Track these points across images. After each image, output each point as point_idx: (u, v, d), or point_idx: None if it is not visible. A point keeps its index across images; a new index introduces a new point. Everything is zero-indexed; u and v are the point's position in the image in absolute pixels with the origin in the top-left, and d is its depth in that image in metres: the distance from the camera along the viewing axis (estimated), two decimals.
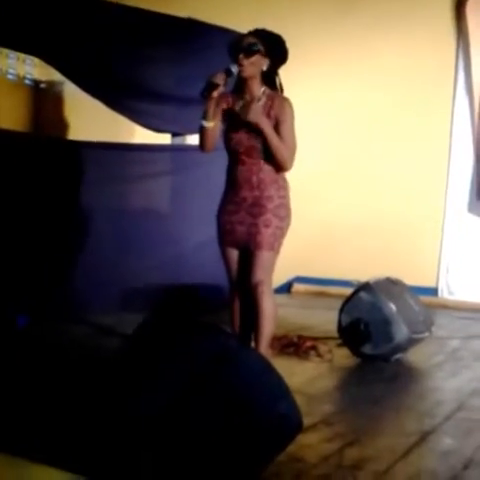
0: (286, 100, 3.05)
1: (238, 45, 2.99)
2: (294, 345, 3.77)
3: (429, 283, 5.58)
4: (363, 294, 3.68)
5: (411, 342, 3.71)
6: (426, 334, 3.83)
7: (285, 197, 3.11)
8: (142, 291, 4.40)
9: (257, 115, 2.96)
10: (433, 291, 5.58)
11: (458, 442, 2.56)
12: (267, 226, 3.06)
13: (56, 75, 4.93)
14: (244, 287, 3.13)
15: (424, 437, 2.60)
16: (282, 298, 5.05)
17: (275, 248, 3.09)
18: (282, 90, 3.11)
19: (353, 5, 5.59)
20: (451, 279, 5.61)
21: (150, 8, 4.52)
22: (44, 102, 6.30)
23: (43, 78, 6.35)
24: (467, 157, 5.55)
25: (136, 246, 4.48)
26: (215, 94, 2.97)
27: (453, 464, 2.32)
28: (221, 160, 4.97)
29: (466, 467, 2.29)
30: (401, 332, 3.60)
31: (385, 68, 5.60)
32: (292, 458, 2.31)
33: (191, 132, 4.97)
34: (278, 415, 2.00)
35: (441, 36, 5.53)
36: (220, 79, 2.96)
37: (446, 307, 5.36)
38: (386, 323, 3.61)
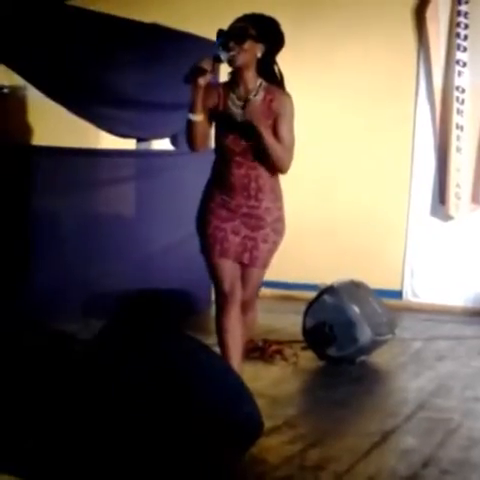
0: (287, 96, 2.76)
1: (227, 31, 2.68)
2: (259, 349, 3.79)
3: (394, 286, 5.64)
4: (327, 297, 3.72)
5: (375, 344, 3.76)
6: (389, 336, 3.88)
7: (281, 209, 2.90)
8: (107, 297, 4.36)
9: (252, 113, 2.66)
10: (398, 294, 5.64)
11: (419, 441, 2.61)
12: (265, 241, 2.84)
13: (20, 80, 4.88)
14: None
15: (386, 437, 2.64)
16: None
17: (268, 264, 2.91)
18: (282, 79, 2.79)
19: (311, 15, 5.65)
20: (415, 282, 5.68)
21: (115, 13, 4.52)
22: (7, 107, 6.24)
23: (6, 83, 6.28)
24: (429, 162, 5.63)
25: (101, 251, 4.45)
26: (201, 81, 2.62)
27: (413, 462, 2.36)
28: (187, 165, 5.02)
29: (425, 465, 2.33)
30: (365, 334, 3.65)
31: (346, 74, 5.65)
32: (254, 460, 2.33)
33: (156, 137, 4.98)
34: (239, 417, 2.01)
35: (402, 43, 5.60)
36: (207, 64, 2.61)
37: (410, 309, 5.43)
38: (350, 325, 3.65)
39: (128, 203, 4.85)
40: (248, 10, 5.55)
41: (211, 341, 3.98)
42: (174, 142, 5.04)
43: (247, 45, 2.68)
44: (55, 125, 5.36)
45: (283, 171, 2.81)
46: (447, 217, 5.55)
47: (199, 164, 5.10)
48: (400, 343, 4.19)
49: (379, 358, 3.85)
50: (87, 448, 1.86)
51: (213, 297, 5.24)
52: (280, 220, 2.88)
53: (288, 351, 3.79)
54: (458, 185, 5.50)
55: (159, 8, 5.73)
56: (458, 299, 5.50)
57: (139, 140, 4.86)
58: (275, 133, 2.73)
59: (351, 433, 2.69)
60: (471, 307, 5.43)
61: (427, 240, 5.64)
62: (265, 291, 5.78)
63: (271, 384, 3.32)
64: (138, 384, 1.88)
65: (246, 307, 2.93)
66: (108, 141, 5.14)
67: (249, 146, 2.73)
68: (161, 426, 1.86)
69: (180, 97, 4.80)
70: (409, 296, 5.67)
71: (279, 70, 2.80)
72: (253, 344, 3.85)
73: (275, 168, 2.78)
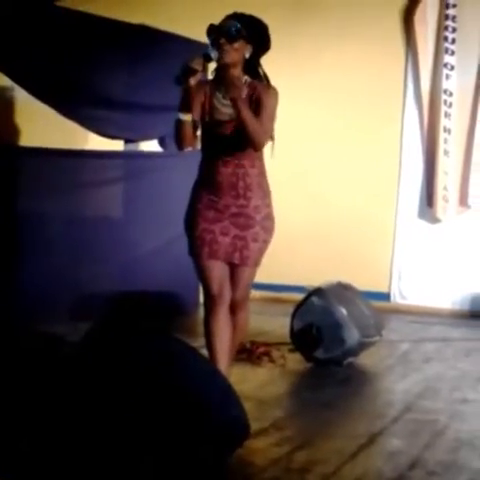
0: (272, 89, 2.76)
1: (219, 28, 2.67)
2: (247, 351, 3.78)
3: (382, 288, 5.65)
4: (315, 299, 3.72)
5: (362, 346, 3.76)
6: (377, 338, 3.89)
7: (270, 206, 2.87)
8: (95, 299, 4.35)
9: (235, 90, 2.63)
10: (386, 296, 5.66)
11: (405, 443, 2.61)
12: (255, 240, 2.82)
13: (7, 81, 4.85)
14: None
15: (372, 439, 2.64)
16: None
17: (259, 263, 2.89)
18: (267, 80, 2.81)
19: (300, 17, 5.66)
20: (403, 284, 5.70)
21: (103, 14, 4.51)
22: None
23: None
24: (417, 165, 5.65)
25: (89, 253, 4.43)
26: (192, 81, 2.61)
27: (399, 464, 2.36)
28: (175, 166, 5.01)
29: (412, 467, 2.34)
30: (352, 336, 3.65)
31: (335, 77, 5.66)
32: (241, 462, 2.32)
33: (144, 139, 4.97)
34: (225, 420, 2.00)
35: (390, 46, 5.61)
36: (198, 64, 2.61)
37: (398, 311, 5.44)
38: (337, 327, 3.65)
39: (116, 205, 4.84)
40: (239, 11, 5.51)
41: (198, 343, 3.97)
42: (162, 144, 5.03)
43: (238, 44, 2.69)
44: (43, 126, 5.33)
45: (257, 148, 2.72)
46: (435, 220, 5.58)
47: (187, 165, 5.08)
48: (387, 345, 4.20)
49: (366, 360, 3.85)
50: (76, 449, 1.85)
51: (201, 299, 5.27)
52: (269, 218, 2.86)
53: (276, 353, 3.79)
54: (445, 188, 5.53)
55: (147, 9, 5.72)
56: (446, 301, 5.52)
57: (127, 141, 4.85)
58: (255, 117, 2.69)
59: (338, 435, 2.69)
60: (458, 309, 5.45)
61: (415, 242, 5.66)
62: (254, 293, 5.76)
63: (258, 386, 3.31)
64: (124, 386, 1.87)
65: (237, 308, 2.92)
66: (96, 142, 5.13)
67: (236, 142, 2.71)
68: (148, 428, 1.85)
69: (168, 98, 4.80)
70: (397, 298, 5.68)
71: (263, 72, 2.82)
72: (241, 346, 3.84)
73: (250, 143, 2.69)
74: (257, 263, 2.87)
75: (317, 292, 3.75)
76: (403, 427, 2.81)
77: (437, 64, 5.56)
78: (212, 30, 2.68)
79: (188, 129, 2.71)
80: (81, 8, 4.51)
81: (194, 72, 2.60)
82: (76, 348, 1.93)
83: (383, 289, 5.67)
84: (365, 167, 5.64)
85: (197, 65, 2.61)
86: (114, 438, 1.84)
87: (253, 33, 2.72)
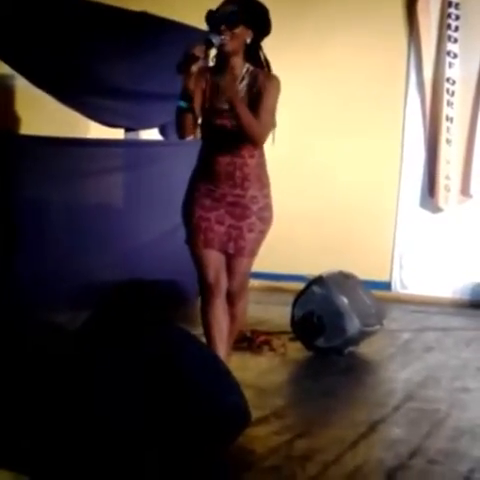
0: (274, 77, 2.73)
1: (218, 14, 2.62)
2: (248, 340, 3.78)
3: (383, 277, 5.65)
4: (316, 288, 3.71)
5: (363, 335, 3.75)
6: (378, 327, 3.88)
7: (268, 196, 2.85)
8: (95, 288, 4.34)
9: (232, 90, 2.63)
10: (387, 285, 5.65)
11: (406, 431, 2.61)
12: (251, 231, 2.79)
13: (8, 69, 4.83)
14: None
15: (373, 427, 2.64)
16: None
17: (256, 254, 2.87)
18: (268, 66, 2.77)
19: (302, 8, 5.61)
20: (404, 274, 5.69)
21: (104, 1, 4.48)
22: None
23: None
24: (419, 153, 5.63)
25: (89, 242, 4.42)
26: (194, 69, 2.58)
27: (400, 453, 2.36)
28: (176, 155, 4.99)
29: (412, 456, 2.33)
30: (353, 325, 3.65)
31: (338, 66, 5.64)
32: (242, 450, 2.32)
33: (145, 127, 4.95)
34: (226, 407, 2.00)
35: (393, 34, 5.59)
36: (199, 51, 2.57)
37: (399, 301, 5.44)
38: (338, 316, 3.64)
39: (117, 193, 4.82)
40: None
41: (199, 331, 3.97)
42: (163, 132, 5.01)
43: (238, 30, 2.66)
44: (44, 114, 5.31)
45: (257, 144, 2.72)
46: (436, 209, 5.56)
47: (188, 154, 5.08)
48: (389, 334, 4.20)
49: (367, 349, 3.85)
50: (77, 441, 1.85)
51: None
52: (267, 208, 2.84)
53: (276, 342, 3.78)
54: (447, 177, 5.51)
55: None
56: (447, 291, 5.51)
57: (127, 130, 4.83)
58: (256, 107, 2.67)
59: (338, 423, 2.69)
60: (459, 298, 5.45)
61: (416, 232, 5.64)
62: (253, 282, 5.75)
63: (259, 375, 3.31)
64: (124, 374, 1.86)
65: (234, 298, 2.90)
66: (97, 131, 5.11)
67: (236, 131, 2.67)
68: (149, 416, 1.85)
69: (169, 87, 4.78)
70: (398, 288, 5.68)
71: (265, 56, 2.78)
72: (241, 334, 3.84)
73: (250, 141, 2.69)
74: (253, 253, 2.85)
75: (318, 281, 3.74)
76: (404, 416, 2.81)
77: (440, 52, 5.53)
78: (211, 16, 2.65)
79: (189, 117, 2.68)
80: None
81: (196, 59, 2.57)
82: (74, 337, 1.92)
83: (384, 278, 5.67)
84: (367, 156, 5.62)
85: (199, 52, 2.57)
86: (115, 429, 1.83)
87: (253, 17, 2.68)
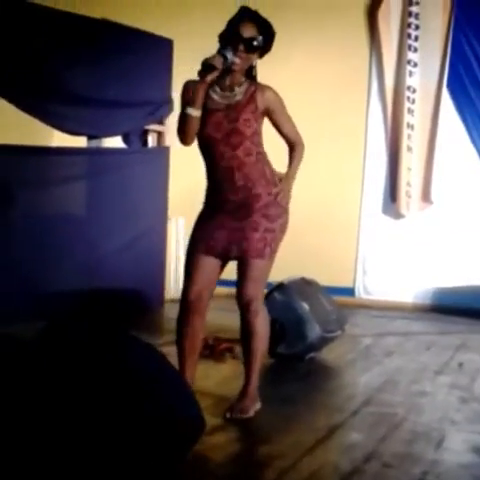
0: (269, 88, 2.79)
1: (239, 34, 2.65)
2: (210, 347, 3.78)
3: (346, 283, 5.71)
4: (277, 294, 3.74)
5: (324, 341, 3.79)
6: (338, 333, 3.92)
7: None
8: (58, 297, 4.31)
9: (288, 195, 2.80)
10: (350, 291, 5.72)
11: (363, 436, 2.64)
12: (255, 230, 2.67)
13: None
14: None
15: (331, 432, 2.67)
16: None
17: (266, 255, 2.69)
18: (255, 78, 2.82)
19: (266, 12, 5.63)
20: (367, 279, 5.76)
21: (66, 8, 4.46)
22: None
23: None
24: (381, 160, 5.72)
25: (51, 251, 4.39)
26: (209, 78, 2.63)
27: (355, 457, 2.38)
28: (139, 162, 4.99)
29: (367, 460, 2.36)
30: (314, 331, 3.68)
31: (300, 74, 5.70)
32: (199, 459, 2.33)
33: (107, 135, 4.94)
34: (178, 417, 2.00)
35: (354, 43, 5.67)
36: (218, 62, 2.62)
37: (363, 306, 5.51)
38: (299, 322, 3.67)
39: (79, 202, 4.80)
40: (203, 7, 5.44)
41: (163, 340, 3.98)
42: (126, 140, 5.01)
43: (253, 56, 2.73)
44: (5, 123, 5.27)
45: (302, 145, 2.91)
46: (398, 215, 5.65)
47: (151, 161, 5.12)
48: (350, 339, 4.24)
49: (329, 355, 3.89)
50: (31, 451, 1.84)
51: (165, 296, 5.27)
52: (273, 205, 2.72)
53: (238, 349, 3.78)
54: (409, 184, 5.60)
55: (109, 4, 5.68)
56: (408, 295, 5.60)
57: (90, 138, 4.82)
58: (275, 126, 2.80)
59: (297, 429, 2.71)
60: (421, 303, 5.53)
61: (379, 238, 5.72)
62: (219, 289, 5.79)
63: (220, 382, 3.32)
64: (74, 386, 1.86)
65: (247, 310, 2.73)
66: (60, 139, 5.08)
67: (232, 130, 2.67)
68: (99, 431, 1.85)
69: (130, 94, 4.81)
70: (361, 293, 5.75)
71: (256, 74, 2.83)
72: (204, 342, 3.84)
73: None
74: (262, 254, 2.68)
75: (279, 288, 3.77)
76: (362, 420, 2.84)
77: (401, 61, 5.63)
78: (231, 32, 2.67)
79: (196, 125, 2.67)
80: (43, 3, 4.46)
81: (214, 69, 2.62)
82: (27, 346, 1.91)
83: (348, 284, 5.73)
84: (329, 163, 5.68)
85: (218, 63, 2.62)
86: (65, 442, 1.83)
87: (268, 43, 2.75)
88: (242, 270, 2.71)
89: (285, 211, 2.78)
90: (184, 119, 2.68)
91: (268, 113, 2.77)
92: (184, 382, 2.04)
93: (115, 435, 1.83)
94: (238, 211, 2.70)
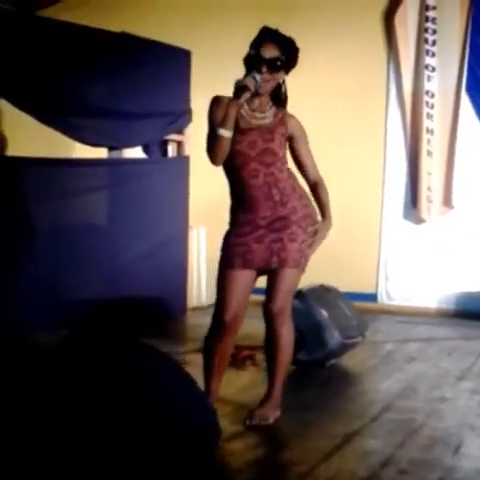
0: (294, 117, 2.84)
1: (261, 56, 2.67)
2: (231, 355, 3.80)
3: (369, 289, 5.70)
4: (296, 302, 3.73)
5: (344, 347, 3.80)
6: (359, 339, 3.92)
7: (308, 206, 2.82)
8: (81, 306, 4.37)
9: (325, 234, 2.82)
10: (373, 297, 5.70)
11: (380, 442, 2.64)
12: (293, 240, 2.72)
13: None
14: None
15: (349, 439, 2.68)
16: None
17: (301, 265, 2.75)
18: (286, 100, 2.85)
19: (285, 18, 5.68)
20: (390, 285, 5.74)
21: (83, 22, 4.55)
22: None
23: None
24: (401, 166, 5.70)
25: (74, 261, 4.46)
26: (243, 99, 2.64)
27: (372, 463, 2.39)
28: (159, 172, 5.05)
29: (384, 466, 2.37)
30: (334, 338, 3.69)
31: (319, 81, 5.71)
32: (218, 465, 2.36)
33: (128, 146, 5.01)
34: (193, 425, 2.03)
35: (372, 49, 5.68)
36: (251, 84, 2.64)
37: (385, 312, 5.49)
38: (319, 329, 3.69)
39: (101, 212, 4.87)
40: (220, 17, 5.49)
41: (184, 348, 4.02)
42: (146, 150, 5.08)
43: (278, 75, 2.74)
44: (28, 136, 5.37)
45: (322, 180, 2.93)
46: (419, 220, 5.63)
47: (171, 172, 5.18)
48: (372, 346, 4.24)
49: (349, 361, 3.89)
50: (46, 458, 1.88)
51: (188, 304, 5.31)
52: (310, 217, 2.80)
53: (259, 356, 3.81)
54: (429, 188, 5.58)
55: (126, 17, 5.77)
56: (431, 301, 5.57)
57: (111, 149, 4.89)
58: (296, 155, 2.83)
59: (315, 435, 2.72)
60: (444, 308, 5.50)
61: (400, 243, 5.71)
62: None
63: (241, 389, 3.35)
64: (96, 393, 1.90)
65: (276, 322, 2.76)
66: (82, 150, 5.16)
67: (266, 149, 2.72)
68: (117, 435, 1.89)
69: (150, 105, 4.88)
70: (384, 299, 5.73)
71: (285, 90, 2.84)
72: None
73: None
74: (297, 264, 2.72)
75: (298, 295, 3.78)
76: (380, 427, 2.85)
77: (418, 66, 5.63)
78: (254, 53, 2.68)
79: (227, 145, 2.67)
80: (62, 17, 4.55)
81: (248, 90, 2.64)
82: (48, 355, 1.96)
83: (371, 290, 5.71)
84: (349, 169, 5.68)
85: (251, 85, 2.64)
86: (87, 450, 1.87)
87: (292, 63, 2.76)
88: (275, 280, 2.74)
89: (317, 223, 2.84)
90: (215, 140, 2.67)
91: (291, 140, 2.81)
92: (200, 391, 2.07)
93: (129, 443, 1.87)
94: (275, 224, 2.74)
